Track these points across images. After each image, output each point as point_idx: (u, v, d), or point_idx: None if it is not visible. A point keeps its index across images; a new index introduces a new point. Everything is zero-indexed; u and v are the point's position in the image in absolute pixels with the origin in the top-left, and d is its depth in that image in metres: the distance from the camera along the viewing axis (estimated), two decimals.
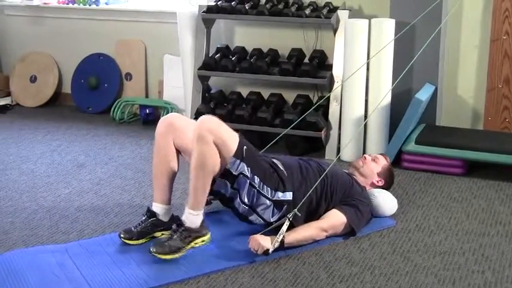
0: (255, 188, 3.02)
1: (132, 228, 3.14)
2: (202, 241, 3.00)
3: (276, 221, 3.07)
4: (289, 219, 3.01)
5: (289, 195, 3.10)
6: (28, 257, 2.96)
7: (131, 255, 3.02)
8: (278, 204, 3.08)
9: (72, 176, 4.13)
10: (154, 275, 2.84)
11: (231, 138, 2.96)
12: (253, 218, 3.08)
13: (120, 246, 3.10)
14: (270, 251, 2.95)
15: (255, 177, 3.01)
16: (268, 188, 3.05)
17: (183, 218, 2.98)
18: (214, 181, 2.97)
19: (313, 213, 3.19)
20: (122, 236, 3.10)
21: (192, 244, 2.97)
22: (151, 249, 2.93)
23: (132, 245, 3.10)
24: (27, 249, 3.10)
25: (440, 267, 2.93)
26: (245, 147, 2.99)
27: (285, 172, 3.14)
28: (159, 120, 3.21)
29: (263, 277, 2.85)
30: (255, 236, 3.00)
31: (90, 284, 2.77)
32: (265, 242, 2.96)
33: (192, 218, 2.96)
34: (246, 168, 2.98)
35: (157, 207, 3.17)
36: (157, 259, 2.92)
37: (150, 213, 3.17)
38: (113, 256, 3.01)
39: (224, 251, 3.06)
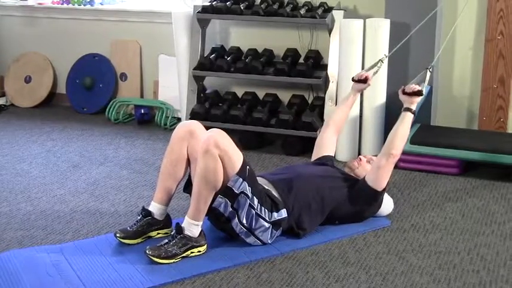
0: (254, 209, 3.02)
1: (128, 228, 3.14)
2: (199, 251, 3.00)
3: (272, 242, 3.10)
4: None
5: (284, 213, 3.11)
6: (23, 258, 2.95)
7: (127, 255, 3.01)
8: (276, 225, 3.10)
9: (67, 176, 4.12)
10: (150, 275, 2.83)
11: (236, 156, 2.98)
12: (250, 240, 3.08)
13: (116, 246, 3.10)
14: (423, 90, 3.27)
15: (255, 198, 3.02)
16: (266, 210, 3.06)
17: (183, 225, 2.98)
18: (215, 196, 2.98)
19: (322, 212, 3.22)
20: (117, 235, 3.10)
21: (188, 253, 2.97)
22: (146, 251, 2.93)
23: (128, 244, 3.10)
24: (22, 249, 3.09)
25: (436, 267, 2.93)
26: (248, 167, 3.02)
27: (274, 193, 3.15)
28: (180, 124, 3.25)
29: (258, 277, 2.85)
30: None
31: (85, 285, 2.76)
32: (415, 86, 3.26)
33: (191, 227, 2.97)
34: (247, 187, 2.98)
35: (155, 207, 3.18)
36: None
37: (146, 212, 3.17)
38: (109, 257, 3.00)
39: (219, 251, 3.05)
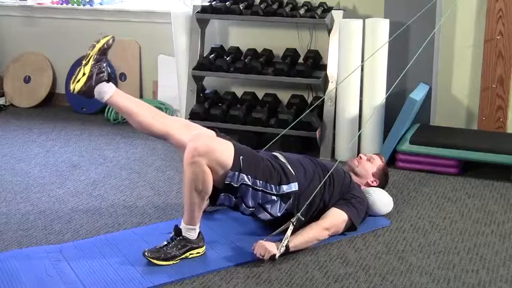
0: (259, 190, 3.01)
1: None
2: (198, 253, 3.00)
3: (282, 216, 3.06)
4: (293, 224, 3.00)
5: (294, 186, 3.09)
6: (22, 258, 2.95)
7: (126, 256, 3.01)
8: (285, 198, 3.07)
9: (66, 176, 4.12)
10: (149, 275, 2.83)
11: (226, 154, 2.92)
12: (262, 215, 3.09)
13: (115, 247, 3.10)
14: (277, 256, 2.94)
15: (257, 181, 3.00)
16: (272, 185, 3.04)
17: (181, 227, 2.98)
18: (216, 194, 2.97)
19: (319, 209, 3.20)
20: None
21: (187, 254, 2.97)
22: (146, 253, 2.92)
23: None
24: (21, 250, 3.09)
25: (435, 267, 2.93)
26: (241, 156, 2.96)
27: (288, 166, 3.13)
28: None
29: (258, 277, 2.85)
30: (261, 241, 2.98)
31: (84, 285, 2.76)
32: (271, 247, 2.94)
33: (189, 231, 2.97)
34: (245, 177, 2.96)
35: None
36: None
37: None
38: (108, 257, 3.00)
39: (219, 252, 3.06)
